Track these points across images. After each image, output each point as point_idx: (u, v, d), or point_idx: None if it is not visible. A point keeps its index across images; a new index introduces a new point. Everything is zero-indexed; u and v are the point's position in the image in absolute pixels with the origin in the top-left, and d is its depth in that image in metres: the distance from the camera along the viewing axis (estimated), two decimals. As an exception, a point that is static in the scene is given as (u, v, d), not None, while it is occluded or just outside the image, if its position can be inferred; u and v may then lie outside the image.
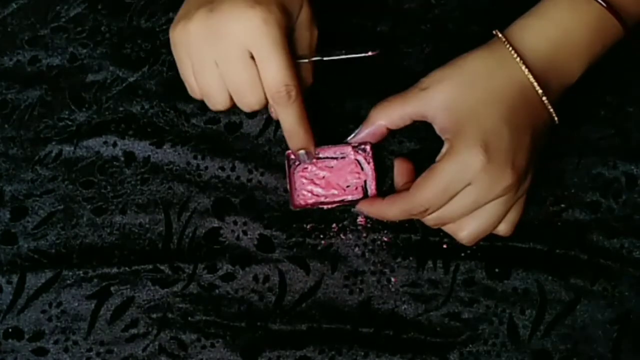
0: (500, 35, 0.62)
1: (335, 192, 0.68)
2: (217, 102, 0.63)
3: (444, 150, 0.61)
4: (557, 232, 0.67)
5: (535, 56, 0.61)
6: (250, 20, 0.59)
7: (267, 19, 0.59)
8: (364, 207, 0.66)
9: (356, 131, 0.67)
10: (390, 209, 0.63)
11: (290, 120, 0.63)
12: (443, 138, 0.61)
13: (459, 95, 0.61)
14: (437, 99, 0.61)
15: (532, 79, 0.60)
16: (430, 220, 0.62)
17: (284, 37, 0.60)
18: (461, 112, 0.60)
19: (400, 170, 0.67)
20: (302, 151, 0.65)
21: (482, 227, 0.62)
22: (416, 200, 0.61)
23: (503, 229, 0.63)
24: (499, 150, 0.59)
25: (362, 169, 0.68)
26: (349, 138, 0.67)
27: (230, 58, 0.60)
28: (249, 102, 0.62)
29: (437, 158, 0.61)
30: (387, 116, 0.64)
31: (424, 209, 0.61)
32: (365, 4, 0.74)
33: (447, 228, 0.63)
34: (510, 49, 0.61)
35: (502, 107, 0.60)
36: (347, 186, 0.68)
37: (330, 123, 0.70)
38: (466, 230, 0.62)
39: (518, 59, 0.60)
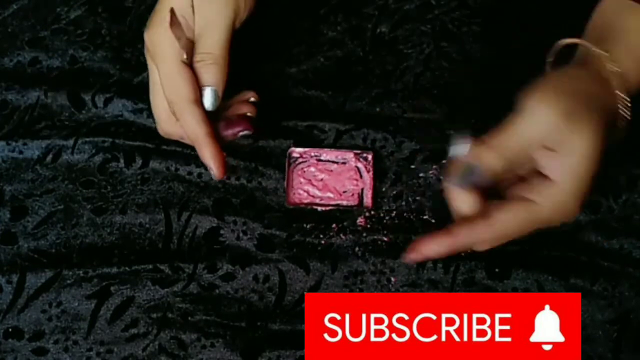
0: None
1: (331, 195, 0.69)
2: (157, 118, 0.65)
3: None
4: (556, 233, 0.67)
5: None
6: None
7: None
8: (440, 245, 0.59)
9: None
10: (507, 217, 0.58)
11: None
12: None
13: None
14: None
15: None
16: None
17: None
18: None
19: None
20: (208, 166, 0.62)
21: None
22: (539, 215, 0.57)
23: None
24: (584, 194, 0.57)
25: (361, 176, 0.68)
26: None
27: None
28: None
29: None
30: None
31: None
32: (365, 4, 0.75)
33: None
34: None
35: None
36: (344, 191, 0.68)
37: (330, 124, 0.71)
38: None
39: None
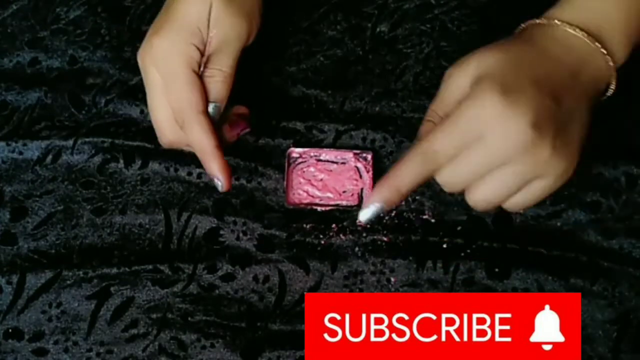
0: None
1: (331, 195, 0.69)
2: (160, 129, 0.64)
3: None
4: (556, 232, 0.67)
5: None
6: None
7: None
8: (380, 195, 0.57)
9: None
10: (404, 166, 0.56)
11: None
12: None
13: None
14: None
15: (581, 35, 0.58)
16: (443, 178, 0.57)
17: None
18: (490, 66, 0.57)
19: None
20: (214, 178, 0.62)
21: (489, 193, 0.56)
22: (429, 145, 0.55)
23: (507, 204, 0.58)
24: (518, 102, 0.54)
25: (360, 176, 0.68)
26: None
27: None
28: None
29: None
30: None
31: (437, 156, 0.56)
32: (365, 4, 0.75)
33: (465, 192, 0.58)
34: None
35: (538, 68, 0.56)
36: (344, 192, 0.68)
37: (330, 124, 0.71)
38: (475, 195, 0.57)
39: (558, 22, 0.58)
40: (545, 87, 0.56)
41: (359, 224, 0.61)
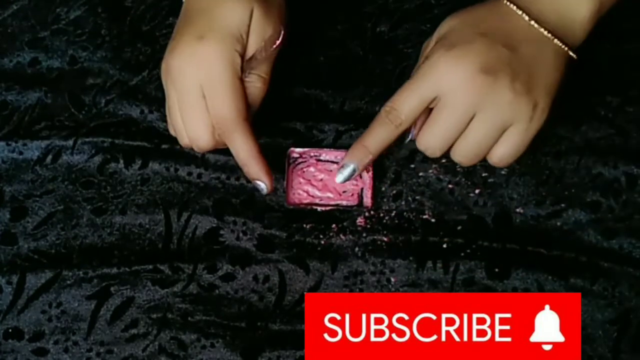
0: None
1: (331, 195, 0.68)
2: (199, 137, 0.63)
3: None
4: (556, 232, 0.67)
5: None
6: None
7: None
8: (352, 156, 0.63)
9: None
10: (372, 127, 0.62)
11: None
12: None
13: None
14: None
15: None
16: (422, 143, 0.61)
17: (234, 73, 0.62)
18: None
19: None
20: (257, 181, 0.64)
21: (469, 147, 0.60)
22: (391, 105, 0.61)
23: (493, 158, 0.61)
24: (464, 52, 0.58)
25: (360, 176, 0.68)
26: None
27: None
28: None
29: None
30: None
31: (398, 114, 0.60)
32: (365, 4, 0.75)
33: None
34: None
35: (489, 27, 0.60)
36: (344, 191, 0.68)
37: (330, 124, 0.71)
38: (458, 152, 0.61)
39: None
40: (497, 37, 0.59)
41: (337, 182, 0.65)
